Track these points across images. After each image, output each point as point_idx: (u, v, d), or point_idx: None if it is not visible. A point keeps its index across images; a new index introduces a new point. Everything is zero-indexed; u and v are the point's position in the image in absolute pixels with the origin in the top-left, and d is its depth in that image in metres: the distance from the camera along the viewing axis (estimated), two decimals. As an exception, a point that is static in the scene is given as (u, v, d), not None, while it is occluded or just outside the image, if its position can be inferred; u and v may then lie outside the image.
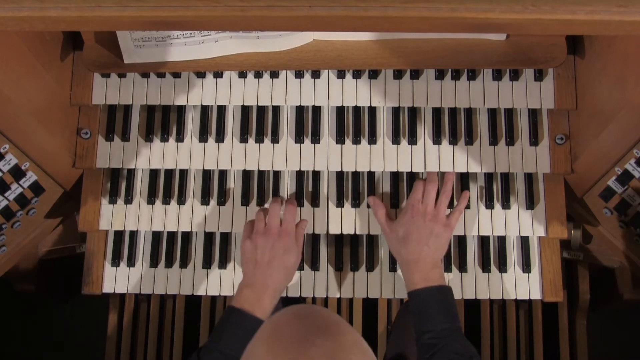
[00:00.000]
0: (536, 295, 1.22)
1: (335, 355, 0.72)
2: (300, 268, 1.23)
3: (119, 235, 1.25)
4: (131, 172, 1.25)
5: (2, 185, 1.09)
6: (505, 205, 1.21)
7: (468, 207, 1.22)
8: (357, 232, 1.22)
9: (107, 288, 1.24)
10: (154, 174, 1.25)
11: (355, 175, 1.24)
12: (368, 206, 1.22)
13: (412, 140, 1.21)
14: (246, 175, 1.25)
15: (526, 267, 1.22)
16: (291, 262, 1.14)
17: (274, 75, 1.21)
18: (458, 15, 0.77)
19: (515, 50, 1.13)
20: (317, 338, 0.72)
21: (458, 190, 1.23)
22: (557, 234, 1.20)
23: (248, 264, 1.14)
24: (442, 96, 1.20)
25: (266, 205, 1.23)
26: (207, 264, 1.24)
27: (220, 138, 1.22)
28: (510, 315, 1.82)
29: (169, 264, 1.24)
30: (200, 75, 1.21)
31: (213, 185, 1.24)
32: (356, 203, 1.23)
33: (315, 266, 1.24)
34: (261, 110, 1.24)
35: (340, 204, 1.23)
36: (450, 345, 1.04)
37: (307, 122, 1.23)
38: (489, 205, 1.22)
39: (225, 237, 1.25)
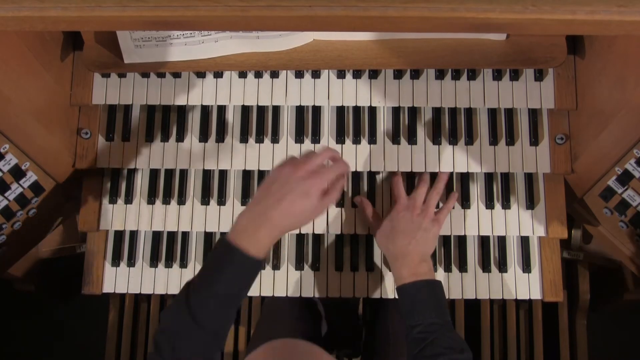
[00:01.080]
0: (536, 295, 1.22)
1: None
2: (300, 268, 1.24)
3: (119, 235, 1.25)
4: (131, 172, 1.25)
5: (2, 185, 1.09)
6: (506, 205, 1.21)
7: (468, 207, 1.22)
8: (357, 232, 1.22)
9: (107, 288, 1.24)
10: (154, 173, 1.25)
11: (355, 175, 1.24)
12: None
13: (412, 140, 1.21)
14: (246, 175, 1.25)
15: (526, 267, 1.22)
16: (307, 206, 0.97)
17: (274, 75, 1.22)
18: (458, 15, 0.77)
19: (515, 50, 1.13)
20: None
21: (457, 192, 1.23)
22: (557, 234, 1.20)
23: (261, 189, 0.99)
24: (442, 96, 1.20)
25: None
26: (207, 264, 1.24)
27: (220, 138, 1.22)
28: (510, 315, 1.82)
29: (169, 264, 1.24)
30: (201, 75, 1.22)
31: (213, 185, 1.24)
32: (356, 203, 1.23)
33: (315, 266, 1.24)
34: (261, 110, 1.24)
35: (340, 203, 1.23)
36: (440, 339, 1.03)
37: (307, 122, 1.23)
38: (489, 205, 1.22)
39: (225, 237, 1.25)
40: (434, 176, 1.24)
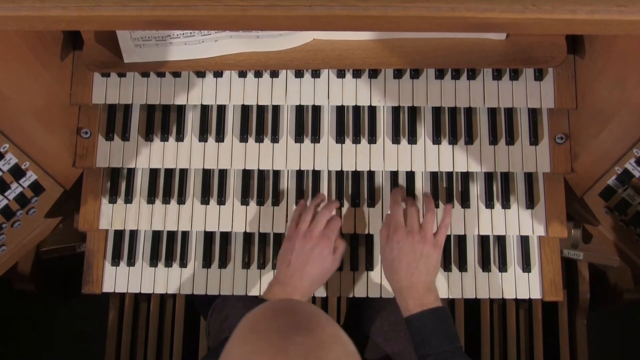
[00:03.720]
0: (536, 294, 1.21)
1: (315, 352, 0.72)
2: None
3: (118, 234, 1.25)
4: (131, 172, 1.25)
5: (2, 185, 1.09)
6: (505, 204, 1.21)
7: (468, 206, 1.22)
8: (357, 232, 1.22)
9: (107, 287, 1.24)
10: (154, 173, 1.25)
11: (355, 174, 1.24)
12: (368, 206, 1.22)
13: (412, 140, 1.21)
14: (246, 174, 1.25)
15: (526, 266, 1.22)
16: (324, 271, 1.13)
17: (274, 74, 1.22)
18: (458, 15, 0.77)
19: (515, 49, 1.13)
20: (297, 335, 0.72)
21: (450, 205, 1.23)
22: (557, 233, 1.20)
23: (282, 263, 1.14)
24: (442, 96, 1.20)
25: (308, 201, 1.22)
26: (207, 263, 1.24)
27: (220, 137, 1.22)
28: (510, 314, 1.82)
29: (168, 263, 1.24)
30: (200, 74, 1.22)
31: (213, 185, 1.24)
32: (356, 203, 1.23)
33: (315, 266, 1.23)
34: (261, 109, 1.24)
35: (340, 203, 1.23)
36: None
37: (307, 122, 1.23)
38: (489, 204, 1.22)
39: (225, 237, 1.25)
40: (433, 176, 1.24)
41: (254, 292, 1.23)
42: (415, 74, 1.20)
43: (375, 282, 1.23)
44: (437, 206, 1.21)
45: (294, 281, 1.11)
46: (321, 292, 1.23)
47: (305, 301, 0.97)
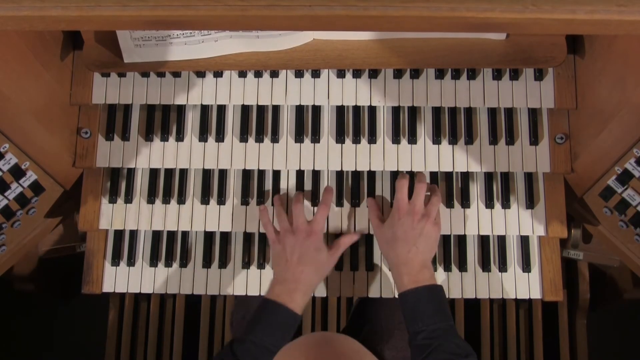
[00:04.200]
0: (536, 294, 1.22)
1: None
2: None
3: (118, 234, 1.25)
4: (131, 172, 1.25)
5: (2, 185, 1.09)
6: (505, 204, 1.21)
7: (468, 206, 1.22)
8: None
9: (107, 287, 1.24)
10: (154, 173, 1.25)
11: (355, 174, 1.24)
12: (368, 206, 1.23)
13: (412, 140, 1.21)
14: (246, 174, 1.25)
15: (526, 266, 1.22)
16: (322, 259, 1.14)
17: (274, 74, 1.22)
18: (458, 15, 0.77)
19: (515, 49, 1.13)
20: None
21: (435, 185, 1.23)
22: (557, 233, 1.20)
23: (279, 263, 1.14)
24: (442, 96, 1.20)
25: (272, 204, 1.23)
26: (207, 263, 1.24)
27: (220, 137, 1.22)
28: (510, 315, 1.82)
29: (169, 263, 1.24)
30: (200, 74, 1.22)
31: (213, 185, 1.24)
32: (356, 202, 1.23)
33: (315, 266, 1.24)
34: (261, 109, 1.24)
35: (340, 203, 1.23)
36: (444, 345, 1.03)
37: (307, 122, 1.23)
38: (489, 204, 1.22)
39: (225, 237, 1.25)
40: (433, 176, 1.24)
41: (254, 292, 1.23)
42: (415, 74, 1.20)
43: (375, 282, 1.23)
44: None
45: (295, 275, 1.11)
46: (321, 292, 1.23)
47: (339, 334, 0.96)
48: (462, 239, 1.24)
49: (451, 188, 1.23)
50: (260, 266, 1.24)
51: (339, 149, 1.21)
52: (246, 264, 1.24)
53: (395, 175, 1.24)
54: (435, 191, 1.18)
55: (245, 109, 1.24)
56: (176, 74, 1.21)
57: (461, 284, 1.23)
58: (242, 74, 1.22)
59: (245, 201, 1.23)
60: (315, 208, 1.22)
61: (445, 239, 1.24)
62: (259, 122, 1.22)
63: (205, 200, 1.23)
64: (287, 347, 0.79)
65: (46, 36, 1.11)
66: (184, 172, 1.24)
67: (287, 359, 0.77)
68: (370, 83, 1.21)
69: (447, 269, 1.23)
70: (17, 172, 1.10)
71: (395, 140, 1.21)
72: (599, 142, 1.08)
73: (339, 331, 1.60)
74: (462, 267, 1.23)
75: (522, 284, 1.22)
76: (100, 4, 0.77)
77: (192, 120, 1.24)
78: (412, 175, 1.24)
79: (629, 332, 1.97)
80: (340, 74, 1.21)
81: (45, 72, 1.09)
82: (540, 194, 1.22)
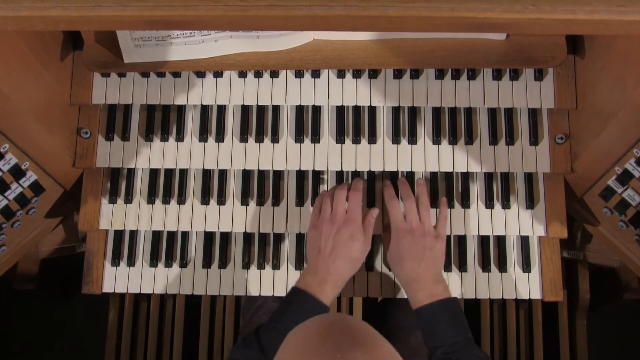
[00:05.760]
0: (536, 294, 1.21)
1: None
2: (301, 268, 1.23)
3: (118, 234, 1.25)
4: (131, 172, 1.25)
5: (2, 185, 1.09)
6: (505, 204, 1.21)
7: (468, 206, 1.22)
8: (357, 232, 1.22)
9: (107, 288, 1.24)
10: (154, 173, 1.25)
11: (355, 175, 1.24)
12: (367, 206, 1.22)
13: (412, 140, 1.21)
14: (246, 174, 1.25)
15: (526, 266, 1.22)
16: (357, 250, 1.12)
17: (274, 74, 1.22)
18: (458, 15, 0.77)
19: (515, 49, 1.13)
20: (355, 352, 0.70)
21: (444, 197, 1.23)
22: (557, 233, 1.20)
23: (312, 251, 1.13)
24: (442, 96, 1.20)
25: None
26: (207, 263, 1.24)
27: (220, 138, 1.22)
28: (510, 315, 1.82)
29: (168, 263, 1.24)
30: (200, 74, 1.22)
31: (213, 185, 1.24)
32: (356, 203, 1.22)
33: (315, 266, 1.23)
34: (261, 109, 1.24)
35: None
36: (463, 358, 1.03)
37: (307, 122, 1.23)
38: (489, 205, 1.22)
39: (225, 237, 1.25)
40: (433, 176, 1.24)
41: (254, 292, 1.23)
42: (415, 74, 1.20)
43: (375, 282, 1.23)
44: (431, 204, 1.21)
45: (327, 267, 1.09)
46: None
47: (354, 317, 0.95)
48: (462, 239, 1.24)
49: (451, 188, 1.23)
50: (260, 266, 1.24)
51: (339, 149, 1.21)
52: (246, 264, 1.24)
53: (395, 175, 1.24)
54: (423, 201, 1.17)
55: (245, 109, 1.24)
56: (176, 74, 1.21)
57: (461, 284, 1.23)
58: (242, 74, 1.22)
59: (245, 201, 1.23)
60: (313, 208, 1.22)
61: (446, 240, 1.24)
62: (259, 122, 1.22)
63: (205, 200, 1.23)
64: (302, 325, 0.79)
65: (46, 36, 1.11)
66: (184, 173, 1.24)
67: (301, 334, 0.77)
68: (370, 83, 1.21)
69: (447, 269, 1.23)
70: (17, 172, 1.10)
71: (395, 140, 1.21)
72: (599, 142, 1.08)
73: None
74: (462, 267, 1.23)
75: (522, 284, 1.22)
76: (100, 4, 0.77)
77: (192, 121, 1.24)
78: (412, 177, 1.24)
79: (629, 332, 1.97)
80: (340, 74, 1.21)
81: (45, 72, 1.09)
82: (540, 194, 1.22)
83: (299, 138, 1.22)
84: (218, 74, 1.22)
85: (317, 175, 1.24)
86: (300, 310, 1.05)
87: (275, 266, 1.24)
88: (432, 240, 1.13)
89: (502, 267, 1.22)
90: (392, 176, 1.24)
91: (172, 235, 1.26)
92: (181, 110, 1.24)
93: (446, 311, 1.08)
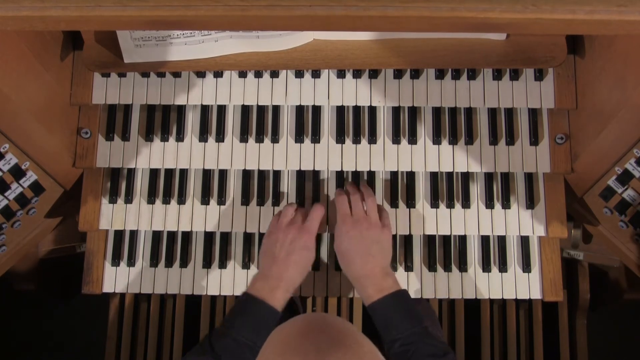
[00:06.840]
0: (536, 294, 1.22)
1: None
2: (300, 268, 1.24)
3: (119, 234, 1.25)
4: (131, 172, 1.25)
5: (2, 185, 1.09)
6: (506, 204, 1.21)
7: (468, 206, 1.22)
8: (357, 232, 1.22)
9: (107, 288, 1.24)
10: (154, 173, 1.25)
11: (355, 175, 1.24)
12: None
13: (412, 140, 1.21)
14: (246, 175, 1.25)
15: (526, 266, 1.22)
16: (309, 260, 1.14)
17: (274, 74, 1.22)
18: (458, 15, 0.77)
19: (515, 49, 1.13)
20: (335, 352, 0.70)
21: (454, 189, 1.23)
22: (557, 233, 1.20)
23: (266, 257, 1.14)
24: (442, 96, 1.20)
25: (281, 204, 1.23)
26: (207, 263, 1.24)
27: (220, 138, 1.22)
28: (510, 315, 1.82)
29: (169, 263, 1.24)
30: (201, 74, 1.22)
31: (213, 185, 1.24)
32: (356, 203, 1.22)
33: (315, 266, 1.23)
34: (261, 109, 1.24)
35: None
36: (421, 349, 1.02)
37: (307, 122, 1.23)
38: (489, 205, 1.22)
39: (225, 237, 1.25)
40: (433, 176, 1.24)
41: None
42: (415, 74, 1.20)
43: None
44: (412, 205, 1.22)
45: (279, 273, 1.10)
46: (322, 293, 1.23)
47: (336, 316, 0.95)
48: (462, 239, 1.24)
49: (451, 188, 1.23)
50: (261, 266, 1.24)
51: (339, 149, 1.21)
52: (246, 264, 1.24)
53: (395, 175, 1.24)
54: (368, 195, 1.17)
55: (245, 109, 1.24)
56: (176, 74, 1.21)
57: (461, 285, 1.23)
58: (242, 74, 1.22)
59: (245, 202, 1.23)
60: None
61: (446, 239, 1.24)
62: (259, 122, 1.22)
63: (205, 200, 1.23)
64: (284, 324, 0.79)
65: (46, 36, 1.11)
66: (184, 173, 1.24)
67: (282, 335, 0.77)
68: (370, 83, 1.21)
69: (447, 269, 1.23)
70: (17, 172, 1.10)
71: (396, 140, 1.21)
72: (599, 142, 1.08)
73: None
74: (462, 267, 1.23)
75: (522, 284, 1.22)
76: (100, 4, 0.77)
77: (192, 121, 1.24)
78: (412, 176, 1.24)
79: (629, 332, 1.97)
80: (341, 74, 1.21)
81: (45, 72, 1.09)
82: (541, 194, 1.22)
83: (299, 138, 1.22)
84: (218, 74, 1.22)
85: (317, 175, 1.24)
86: (252, 316, 1.05)
87: (259, 261, 1.23)
88: (378, 232, 1.13)
89: (502, 267, 1.22)
90: (393, 176, 1.24)
91: (172, 235, 1.26)
92: (181, 110, 1.24)
93: (399, 304, 1.07)
